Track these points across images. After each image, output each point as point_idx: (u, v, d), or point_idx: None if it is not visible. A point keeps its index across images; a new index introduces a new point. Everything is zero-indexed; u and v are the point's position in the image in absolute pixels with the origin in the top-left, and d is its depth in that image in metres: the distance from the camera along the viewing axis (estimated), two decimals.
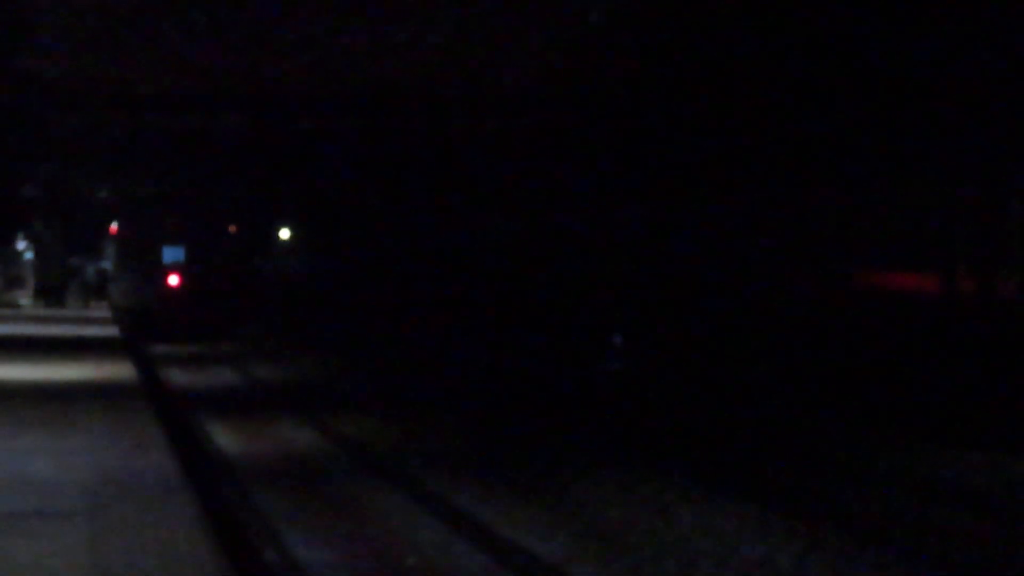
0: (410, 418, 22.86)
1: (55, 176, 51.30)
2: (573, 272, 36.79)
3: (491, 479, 16.25)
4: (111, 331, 43.20)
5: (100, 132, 40.44)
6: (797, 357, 26.60)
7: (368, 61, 31.15)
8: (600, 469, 16.60)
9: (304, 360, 37.20)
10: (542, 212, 39.07)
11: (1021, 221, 21.97)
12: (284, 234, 55.59)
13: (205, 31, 28.57)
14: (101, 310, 63.50)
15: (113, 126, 39.69)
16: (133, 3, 27.21)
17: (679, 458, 17.82)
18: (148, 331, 47.69)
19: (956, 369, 22.42)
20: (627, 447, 19.04)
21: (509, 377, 31.54)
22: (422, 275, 47.29)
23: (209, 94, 34.83)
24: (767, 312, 28.04)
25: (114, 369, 26.29)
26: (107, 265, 70.66)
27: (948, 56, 23.17)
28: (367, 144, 43.21)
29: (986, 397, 21.48)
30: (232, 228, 51.20)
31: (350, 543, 12.68)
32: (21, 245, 71.14)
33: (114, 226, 54.28)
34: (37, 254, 71.00)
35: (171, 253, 50.44)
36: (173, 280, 50.09)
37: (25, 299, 70.44)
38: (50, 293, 65.78)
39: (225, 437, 20.49)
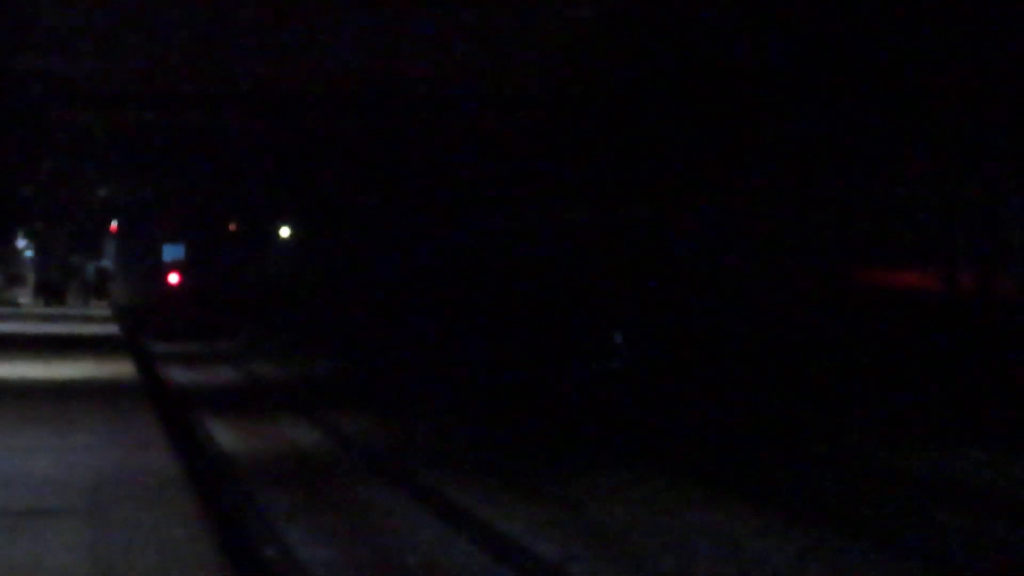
0: (410, 416, 22.88)
1: (55, 176, 51.27)
2: (574, 270, 36.78)
3: (491, 477, 16.26)
4: (111, 329, 43.21)
5: (100, 132, 40.42)
6: (797, 355, 26.60)
7: (369, 61, 31.14)
8: (600, 467, 16.62)
9: (304, 358, 37.21)
10: (542, 211, 39.06)
11: (1021, 218, 21.97)
12: (284, 232, 55.58)
13: (205, 31, 28.57)
14: (101, 308, 63.52)
15: (113, 126, 39.68)
16: (133, 3, 27.21)
17: (679, 456, 17.83)
18: (148, 329, 47.72)
19: (956, 366, 22.42)
20: (627, 445, 19.05)
21: (510, 375, 31.55)
22: (422, 274, 47.28)
23: (209, 94, 34.81)
24: (767, 310, 28.04)
25: (114, 367, 26.30)
26: (107, 264, 70.71)
27: (948, 55, 23.17)
28: (367, 144, 43.20)
29: (987, 394, 21.48)
30: (232, 226, 51.22)
31: (350, 541, 12.69)
32: (21, 243, 71.15)
33: (114, 225, 54.33)
34: (37, 253, 71.04)
35: (171, 252, 50.48)
36: (173, 278, 50.12)
37: (25, 297, 70.47)
38: (50, 291, 65.83)
39: (225, 435, 20.50)
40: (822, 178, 26.82)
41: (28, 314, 54.11)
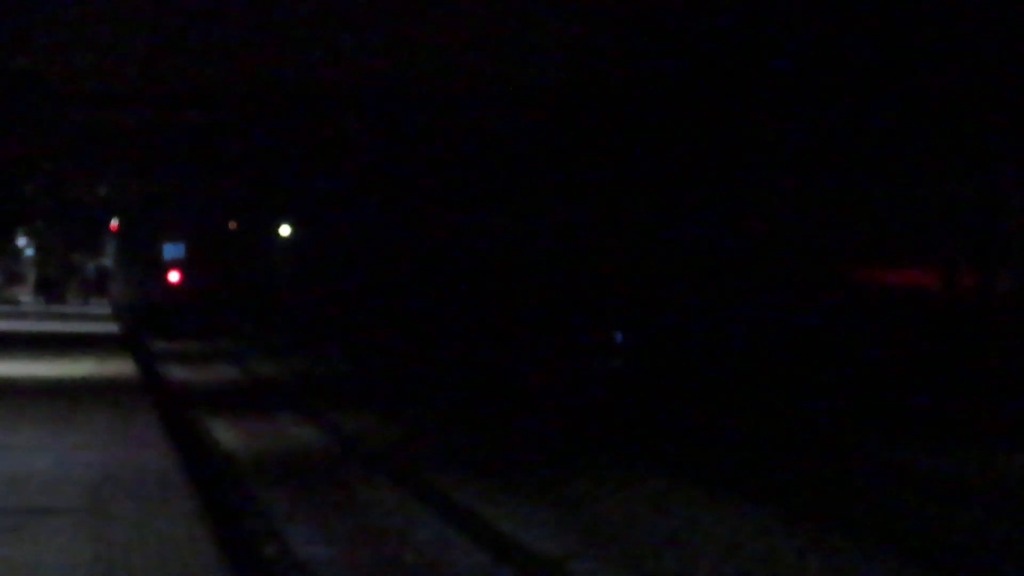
0: (410, 415, 22.88)
1: (55, 175, 51.29)
2: (574, 270, 36.80)
3: (491, 475, 16.26)
4: (111, 327, 43.24)
5: (100, 132, 40.43)
6: (797, 355, 26.61)
7: (370, 60, 31.15)
8: (600, 467, 16.61)
9: (304, 357, 37.22)
10: (543, 210, 39.08)
11: (1020, 217, 21.98)
12: (284, 231, 55.57)
13: (205, 30, 28.57)
14: (101, 307, 63.55)
15: (113, 126, 39.69)
16: (132, 3, 27.22)
17: (679, 456, 17.83)
18: (148, 327, 47.73)
19: (956, 366, 22.42)
20: (628, 444, 19.04)
21: (510, 374, 31.55)
22: (423, 272, 47.29)
23: (209, 94, 34.83)
24: (767, 310, 28.05)
25: (115, 365, 26.32)
26: (107, 262, 70.75)
27: (948, 55, 23.18)
28: (368, 144, 43.21)
29: (987, 394, 21.49)
30: (232, 225, 51.22)
31: (350, 539, 12.69)
32: (22, 242, 71.21)
33: (115, 223, 54.35)
34: (38, 251, 71.09)
35: (171, 250, 50.47)
36: (173, 277, 50.12)
37: (25, 296, 70.52)
38: (50, 290, 65.88)
39: (225, 433, 20.51)
40: (822, 178, 26.83)
41: (29, 312, 54.14)
